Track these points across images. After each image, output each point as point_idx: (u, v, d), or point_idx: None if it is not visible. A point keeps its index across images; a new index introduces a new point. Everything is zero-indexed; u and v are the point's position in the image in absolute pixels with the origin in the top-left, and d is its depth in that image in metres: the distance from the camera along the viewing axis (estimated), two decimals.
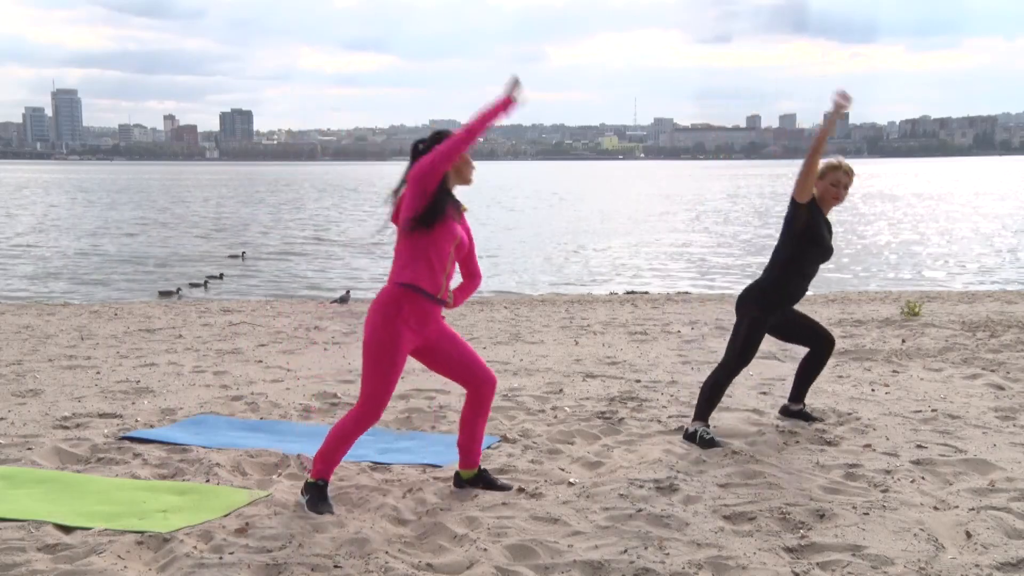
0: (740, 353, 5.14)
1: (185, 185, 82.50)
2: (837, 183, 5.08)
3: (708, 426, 5.14)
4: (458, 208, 4.17)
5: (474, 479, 4.39)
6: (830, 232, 5.21)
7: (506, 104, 3.96)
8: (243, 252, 24.08)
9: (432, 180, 3.96)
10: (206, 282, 17.85)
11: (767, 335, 5.28)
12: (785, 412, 5.60)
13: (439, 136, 4.10)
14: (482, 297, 14.63)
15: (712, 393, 5.18)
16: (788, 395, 5.67)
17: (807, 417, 5.52)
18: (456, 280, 4.30)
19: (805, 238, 5.05)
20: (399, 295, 4.01)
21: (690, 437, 5.08)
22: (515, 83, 3.98)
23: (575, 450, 5.01)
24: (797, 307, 5.38)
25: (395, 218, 4.12)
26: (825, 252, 5.15)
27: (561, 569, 3.43)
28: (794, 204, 5.04)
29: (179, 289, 16.88)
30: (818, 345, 5.44)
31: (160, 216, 39.14)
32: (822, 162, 5.05)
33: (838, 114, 4.93)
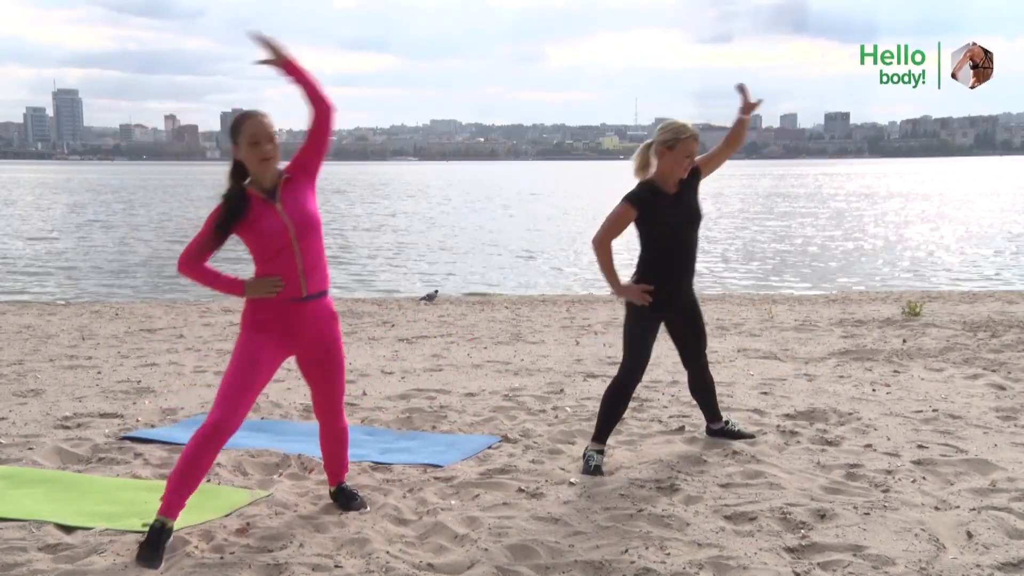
0: (629, 355, 4.70)
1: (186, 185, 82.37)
2: (690, 153, 4.57)
3: (602, 450, 4.73)
4: (273, 193, 3.71)
5: (334, 494, 4.19)
6: (692, 189, 4.70)
7: None
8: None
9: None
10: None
11: (670, 336, 4.92)
12: (709, 432, 5.18)
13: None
14: (483, 297, 14.63)
15: (608, 408, 4.74)
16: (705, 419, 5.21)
17: (732, 434, 5.10)
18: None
19: (649, 232, 4.64)
20: (251, 304, 3.77)
21: (584, 456, 4.75)
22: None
23: (576, 450, 5.01)
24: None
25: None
26: (676, 230, 4.64)
27: (562, 569, 3.44)
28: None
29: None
30: (689, 369, 5.01)
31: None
32: (667, 131, 4.56)
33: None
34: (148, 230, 30.36)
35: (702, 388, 5.07)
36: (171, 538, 3.59)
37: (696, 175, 4.74)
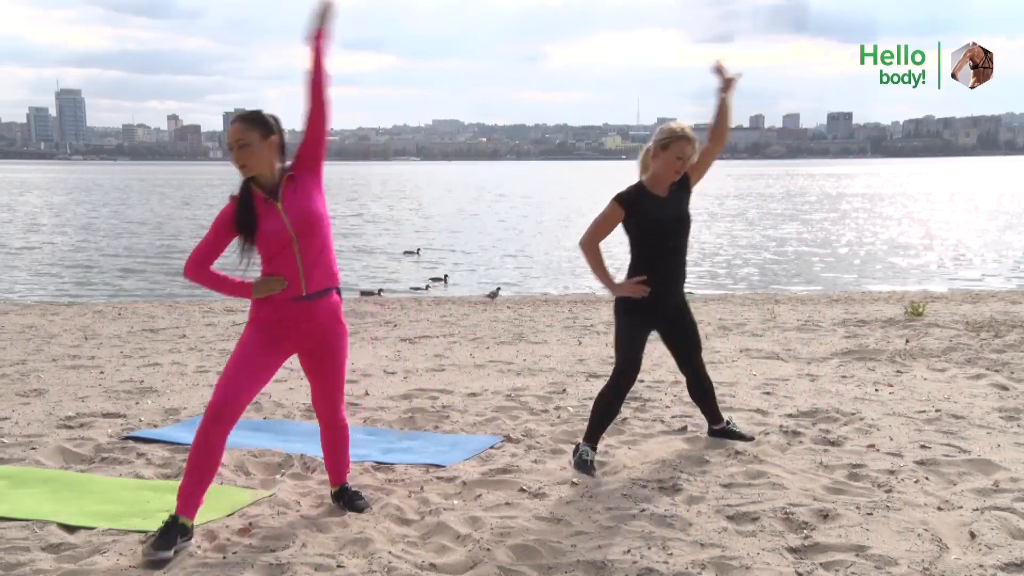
0: (622, 360, 4.65)
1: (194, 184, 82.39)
2: (682, 155, 4.50)
3: (594, 448, 4.70)
4: (275, 192, 3.71)
5: (336, 494, 4.16)
6: (683, 194, 4.64)
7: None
8: (418, 248, 23.16)
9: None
10: (427, 286, 16.78)
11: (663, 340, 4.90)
12: (711, 433, 5.15)
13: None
14: (483, 298, 14.61)
15: (601, 411, 4.70)
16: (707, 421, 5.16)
17: (733, 435, 5.06)
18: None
19: (638, 234, 4.59)
20: (255, 301, 3.78)
21: (574, 454, 4.75)
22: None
23: None
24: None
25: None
26: (664, 233, 4.57)
27: (564, 569, 3.44)
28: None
29: (380, 290, 15.60)
30: (685, 373, 4.99)
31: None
32: (663, 131, 4.55)
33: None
34: (103, 233, 30.21)
35: (700, 391, 5.02)
36: (189, 541, 3.59)
37: (686, 181, 4.67)
